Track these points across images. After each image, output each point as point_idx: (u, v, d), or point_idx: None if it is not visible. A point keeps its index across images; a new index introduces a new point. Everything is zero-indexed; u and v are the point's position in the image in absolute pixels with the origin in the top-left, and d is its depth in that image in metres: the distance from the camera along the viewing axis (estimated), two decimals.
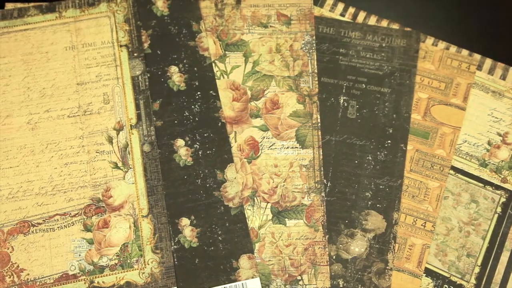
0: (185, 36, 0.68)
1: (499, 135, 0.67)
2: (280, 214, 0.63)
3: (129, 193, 0.63)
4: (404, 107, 0.67)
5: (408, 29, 0.70)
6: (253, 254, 0.62)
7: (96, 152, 0.64)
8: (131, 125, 0.65)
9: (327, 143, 0.66)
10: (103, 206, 0.63)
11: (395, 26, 0.70)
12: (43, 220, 0.62)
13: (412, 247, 0.63)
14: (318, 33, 0.69)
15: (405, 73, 0.68)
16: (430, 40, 0.69)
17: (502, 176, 0.65)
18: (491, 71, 0.68)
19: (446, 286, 0.62)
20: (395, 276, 0.62)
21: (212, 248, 0.62)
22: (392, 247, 0.63)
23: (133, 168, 0.64)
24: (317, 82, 0.68)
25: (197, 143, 0.65)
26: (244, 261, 0.61)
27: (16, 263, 0.61)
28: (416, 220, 0.64)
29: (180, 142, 0.65)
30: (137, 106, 0.65)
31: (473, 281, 0.62)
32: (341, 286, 0.62)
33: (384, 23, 0.70)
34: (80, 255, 0.61)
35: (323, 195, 0.64)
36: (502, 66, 0.69)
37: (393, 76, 0.68)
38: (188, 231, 0.62)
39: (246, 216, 0.63)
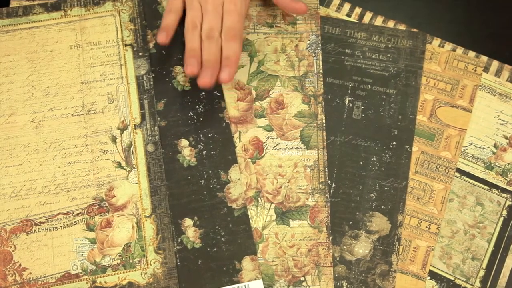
0: None
1: (506, 137, 0.66)
2: (284, 215, 0.63)
3: (132, 193, 0.63)
4: (410, 109, 0.67)
5: (415, 30, 0.69)
6: (256, 256, 0.62)
7: (100, 151, 0.64)
8: (135, 125, 0.65)
9: (331, 144, 0.66)
10: (106, 206, 0.62)
11: (402, 27, 0.70)
12: (46, 219, 0.62)
13: (416, 249, 0.63)
14: (324, 33, 0.69)
15: (411, 74, 0.68)
16: (436, 42, 0.69)
17: (508, 179, 0.65)
18: (497, 73, 0.68)
19: None
20: (399, 278, 0.62)
21: (215, 249, 0.61)
22: (396, 249, 0.63)
23: (136, 168, 0.63)
24: (322, 83, 0.67)
25: (201, 143, 0.64)
26: (247, 263, 0.61)
27: (18, 262, 0.61)
28: (421, 222, 0.64)
29: (184, 142, 0.65)
30: (142, 106, 0.65)
31: (477, 284, 0.62)
32: (344, 287, 0.61)
33: (391, 24, 0.70)
34: (82, 254, 0.61)
35: (327, 196, 0.64)
36: (509, 68, 0.68)
37: (399, 77, 0.68)
38: (191, 231, 0.62)
39: (250, 216, 0.63)
